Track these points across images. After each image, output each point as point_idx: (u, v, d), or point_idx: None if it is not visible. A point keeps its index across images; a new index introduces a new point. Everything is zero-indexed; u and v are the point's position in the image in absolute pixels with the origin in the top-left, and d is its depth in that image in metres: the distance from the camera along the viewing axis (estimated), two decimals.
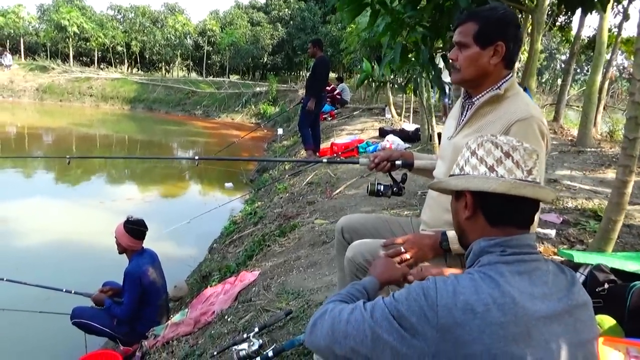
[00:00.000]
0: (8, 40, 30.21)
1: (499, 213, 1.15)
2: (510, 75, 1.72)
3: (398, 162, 2.09)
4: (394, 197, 2.37)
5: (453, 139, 1.82)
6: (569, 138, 9.15)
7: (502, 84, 1.69)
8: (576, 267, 2.46)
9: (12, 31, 29.55)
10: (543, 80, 38.05)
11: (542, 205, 3.94)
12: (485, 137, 1.21)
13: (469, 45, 1.67)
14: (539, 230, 3.40)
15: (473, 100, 1.77)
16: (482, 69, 1.69)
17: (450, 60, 1.76)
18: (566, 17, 10.34)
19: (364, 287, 1.37)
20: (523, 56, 10.35)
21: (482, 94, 1.73)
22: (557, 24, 10.96)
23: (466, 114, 1.80)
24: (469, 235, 1.22)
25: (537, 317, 1.00)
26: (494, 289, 1.01)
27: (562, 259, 2.75)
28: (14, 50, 29.80)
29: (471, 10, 1.79)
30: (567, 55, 12.95)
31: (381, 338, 1.05)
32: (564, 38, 14.19)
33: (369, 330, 1.08)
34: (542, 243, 3.25)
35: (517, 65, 3.40)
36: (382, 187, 2.13)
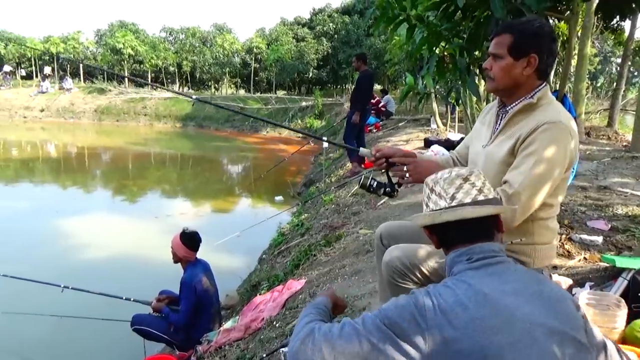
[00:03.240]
0: (68, 65, 32.01)
1: (446, 237, 1.32)
2: (543, 85, 1.78)
3: (393, 160, 2.03)
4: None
5: (487, 147, 1.88)
6: (624, 144, 8.86)
7: (535, 93, 1.75)
8: (619, 272, 2.46)
9: (71, 56, 31.30)
10: (598, 85, 36.67)
11: (590, 212, 3.89)
12: (425, 180, 1.40)
13: (503, 56, 1.74)
14: (585, 237, 3.37)
15: (507, 109, 1.83)
16: (515, 79, 1.75)
17: (485, 69, 1.84)
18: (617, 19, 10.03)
19: (324, 304, 1.50)
20: (574, 60, 10.14)
21: (516, 102, 1.79)
22: (609, 26, 10.64)
23: (500, 122, 1.86)
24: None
25: (511, 309, 1.10)
26: (467, 289, 1.13)
27: (606, 264, 2.75)
28: (74, 74, 31.54)
29: (507, 22, 1.86)
30: (621, 57, 12.55)
31: (376, 347, 1.11)
32: (616, 41, 13.73)
33: (365, 341, 1.12)
34: (588, 250, 3.22)
35: (569, 69, 3.40)
36: (375, 182, 2.08)
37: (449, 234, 1.30)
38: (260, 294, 4.19)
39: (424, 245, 1.91)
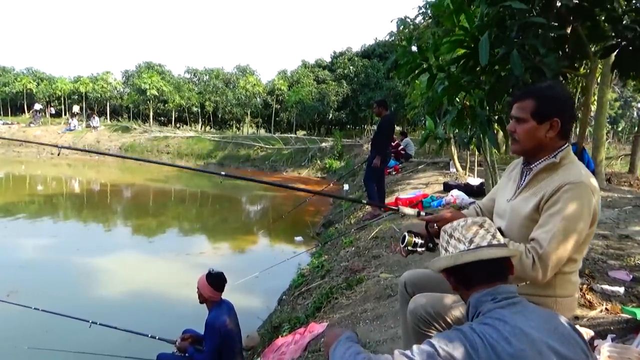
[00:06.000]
0: (96, 104, 33.10)
1: (468, 279, 1.47)
2: (566, 145, 1.88)
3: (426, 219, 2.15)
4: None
5: (512, 202, 1.99)
6: None
7: (558, 153, 1.86)
8: None
9: (99, 95, 32.38)
10: (619, 129, 36.54)
11: (611, 261, 3.91)
12: (442, 227, 1.57)
13: (526, 120, 1.86)
14: (607, 287, 3.38)
15: (531, 167, 1.94)
16: (538, 142, 1.87)
17: (510, 131, 1.96)
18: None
19: (357, 338, 1.55)
20: (593, 106, 10.19)
21: (540, 161, 1.90)
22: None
23: (525, 178, 1.97)
24: (465, 299, 1.51)
25: (540, 340, 1.26)
26: (505, 325, 1.27)
27: (628, 316, 2.76)
28: (101, 113, 32.54)
29: (530, 88, 1.99)
30: None
31: None
32: (636, 87, 13.78)
33: None
34: (609, 300, 3.23)
35: (587, 121, 3.49)
36: (419, 240, 2.10)
37: (468, 276, 1.46)
38: (281, 336, 4.24)
39: (448, 294, 1.99)
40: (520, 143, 1.91)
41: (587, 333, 2.53)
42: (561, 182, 1.78)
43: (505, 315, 1.31)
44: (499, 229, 1.97)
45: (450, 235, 1.51)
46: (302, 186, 17.82)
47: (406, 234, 2.10)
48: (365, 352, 1.39)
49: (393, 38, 19.23)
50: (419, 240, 2.09)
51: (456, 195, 7.83)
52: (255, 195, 17.59)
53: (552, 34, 2.91)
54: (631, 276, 3.71)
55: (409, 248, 2.10)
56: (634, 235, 5.19)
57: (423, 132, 9.28)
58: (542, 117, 1.83)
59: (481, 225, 1.50)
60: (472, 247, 1.45)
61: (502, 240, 1.50)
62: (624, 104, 34.88)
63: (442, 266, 1.50)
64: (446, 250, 1.52)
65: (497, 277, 1.44)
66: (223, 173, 3.01)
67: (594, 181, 1.80)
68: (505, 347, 1.22)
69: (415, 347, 1.30)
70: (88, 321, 4.25)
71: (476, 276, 1.45)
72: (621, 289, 3.39)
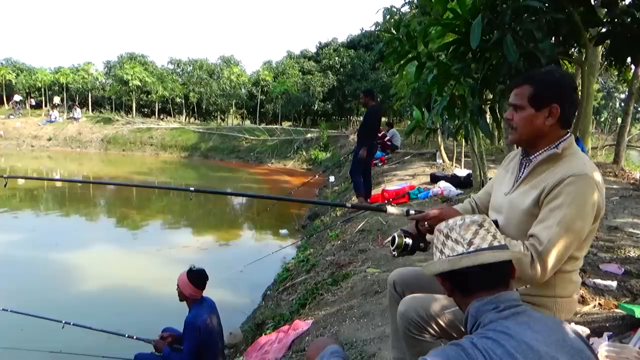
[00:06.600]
0: (77, 95, 32.45)
1: (466, 285, 1.30)
2: (568, 135, 1.76)
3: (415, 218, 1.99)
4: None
5: (509, 195, 1.85)
6: (631, 181, 8.79)
7: (560, 143, 1.73)
8: (638, 322, 2.39)
9: (80, 86, 31.76)
10: (602, 120, 36.94)
11: (601, 254, 3.82)
12: (436, 227, 1.39)
13: (524, 107, 1.73)
14: (599, 281, 3.30)
15: (530, 158, 1.81)
16: (537, 130, 1.74)
17: (507, 120, 1.82)
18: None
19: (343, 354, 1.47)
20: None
21: (540, 152, 1.77)
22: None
23: (524, 170, 1.83)
24: (461, 306, 1.34)
25: (548, 356, 1.11)
26: (509, 340, 1.12)
27: (623, 313, 2.67)
28: (82, 104, 31.92)
29: (527, 74, 1.85)
30: (627, 94, 12.65)
31: None
32: (621, 78, 13.84)
33: None
34: (602, 295, 3.14)
35: (581, 110, 3.38)
36: (410, 240, 1.97)
37: (466, 281, 1.30)
38: (265, 334, 4.10)
39: (439, 295, 1.86)
40: (517, 131, 1.77)
41: (583, 331, 2.44)
42: (563, 174, 1.65)
43: (510, 327, 1.17)
44: (495, 223, 1.83)
45: (447, 236, 1.34)
46: (287, 178, 17.73)
47: (396, 235, 1.97)
48: None
49: (379, 28, 19.07)
50: (409, 241, 1.95)
51: (443, 186, 7.74)
52: (241, 187, 17.37)
53: (547, 19, 2.77)
54: (623, 269, 3.63)
55: (397, 253, 1.97)
56: (622, 226, 5.14)
57: (409, 122, 9.20)
58: (539, 103, 1.70)
59: (481, 225, 1.33)
60: (471, 249, 1.28)
61: (503, 241, 1.34)
62: (607, 95, 35.20)
63: (437, 271, 1.33)
64: (441, 252, 1.35)
65: (499, 283, 1.28)
66: (192, 189, 2.86)
67: (597, 174, 1.68)
68: None
69: None
70: (61, 322, 4.07)
71: (476, 282, 1.28)
72: (614, 283, 3.31)
